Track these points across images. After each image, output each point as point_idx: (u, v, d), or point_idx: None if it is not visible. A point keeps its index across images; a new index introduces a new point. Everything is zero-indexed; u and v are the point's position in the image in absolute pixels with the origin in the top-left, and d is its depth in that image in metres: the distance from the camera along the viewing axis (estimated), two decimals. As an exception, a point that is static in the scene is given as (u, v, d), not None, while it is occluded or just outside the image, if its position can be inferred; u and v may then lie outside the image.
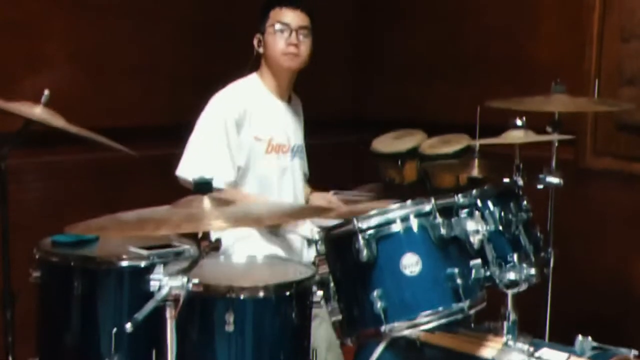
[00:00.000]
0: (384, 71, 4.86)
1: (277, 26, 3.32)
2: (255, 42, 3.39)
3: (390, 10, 4.83)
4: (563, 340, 2.77)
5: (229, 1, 4.43)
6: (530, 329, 2.85)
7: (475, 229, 2.63)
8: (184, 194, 2.32)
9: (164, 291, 2.18)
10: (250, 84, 3.39)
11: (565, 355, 2.62)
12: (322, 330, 2.98)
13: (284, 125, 3.41)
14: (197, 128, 3.28)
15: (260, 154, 3.31)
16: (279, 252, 3.20)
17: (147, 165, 3.86)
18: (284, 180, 3.39)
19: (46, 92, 2.96)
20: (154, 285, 2.19)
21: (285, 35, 3.32)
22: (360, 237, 2.53)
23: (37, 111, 2.94)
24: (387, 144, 4.13)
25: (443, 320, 2.52)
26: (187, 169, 3.21)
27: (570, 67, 3.94)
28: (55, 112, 2.99)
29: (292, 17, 3.33)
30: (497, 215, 2.84)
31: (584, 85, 3.91)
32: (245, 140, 3.28)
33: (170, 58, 4.26)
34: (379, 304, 2.50)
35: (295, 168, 3.44)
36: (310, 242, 3.16)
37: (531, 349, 2.64)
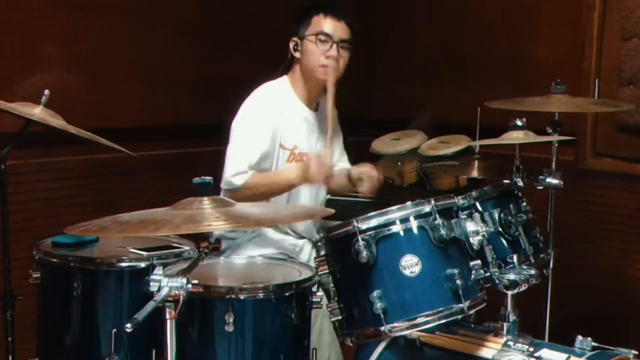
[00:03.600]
0: (384, 71, 4.86)
1: (319, 35, 3.23)
2: (291, 45, 3.29)
3: (390, 10, 4.82)
4: (563, 340, 2.77)
5: (228, 1, 4.43)
6: (530, 329, 2.85)
7: (474, 230, 2.64)
8: (184, 194, 2.32)
9: (164, 292, 2.17)
10: (281, 89, 3.31)
11: (565, 355, 2.61)
12: (324, 333, 2.97)
13: (309, 135, 3.34)
14: (236, 129, 3.19)
15: (282, 162, 3.24)
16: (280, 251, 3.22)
17: (146, 166, 3.86)
18: (305, 189, 3.31)
19: (46, 92, 2.96)
20: (153, 286, 2.19)
21: (326, 47, 3.23)
22: (360, 238, 2.54)
23: (37, 111, 2.95)
24: (386, 144, 4.12)
25: (443, 321, 2.53)
26: (231, 176, 3.10)
27: (570, 67, 3.93)
28: (55, 113, 2.99)
29: (335, 28, 3.24)
30: (496, 216, 2.85)
31: (584, 85, 3.90)
32: (274, 147, 3.21)
33: (170, 59, 4.25)
34: (378, 305, 2.50)
35: None
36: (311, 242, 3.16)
37: (531, 349, 2.64)
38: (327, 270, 2.64)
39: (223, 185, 3.11)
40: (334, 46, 3.23)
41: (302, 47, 3.27)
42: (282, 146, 3.23)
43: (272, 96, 3.28)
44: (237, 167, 3.10)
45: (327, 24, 3.25)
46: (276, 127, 3.21)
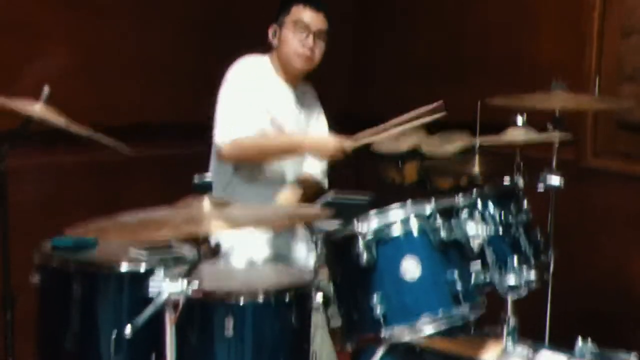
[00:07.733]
0: (384, 71, 4.85)
1: (297, 25, 3.30)
2: (270, 32, 3.37)
3: (390, 10, 4.81)
4: (564, 342, 2.77)
5: (229, -1, 4.43)
6: (530, 331, 2.84)
7: (475, 231, 2.62)
8: (184, 193, 2.31)
9: (164, 296, 2.17)
10: (261, 62, 3.38)
11: (565, 359, 2.61)
12: (317, 338, 2.97)
13: (288, 109, 3.40)
14: (222, 97, 3.26)
15: (264, 128, 3.29)
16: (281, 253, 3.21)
17: (147, 165, 3.86)
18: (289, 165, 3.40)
19: (46, 88, 2.95)
20: (153, 290, 2.18)
21: (303, 36, 3.30)
22: (360, 240, 2.52)
23: (37, 108, 2.94)
24: (387, 144, 4.12)
25: (443, 326, 2.51)
26: (223, 134, 3.21)
27: (571, 64, 3.92)
28: (55, 110, 2.98)
29: (313, 18, 3.31)
30: (497, 217, 2.82)
31: (585, 82, 3.90)
32: (258, 109, 3.26)
33: (171, 56, 4.24)
34: (378, 309, 2.48)
35: None
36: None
37: (531, 354, 2.63)
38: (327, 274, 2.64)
39: (219, 141, 3.20)
40: (311, 36, 3.31)
41: (280, 35, 3.35)
42: (266, 111, 3.29)
43: (254, 65, 3.36)
44: (232, 130, 3.18)
45: (306, 14, 3.32)
46: (258, 91, 3.29)
